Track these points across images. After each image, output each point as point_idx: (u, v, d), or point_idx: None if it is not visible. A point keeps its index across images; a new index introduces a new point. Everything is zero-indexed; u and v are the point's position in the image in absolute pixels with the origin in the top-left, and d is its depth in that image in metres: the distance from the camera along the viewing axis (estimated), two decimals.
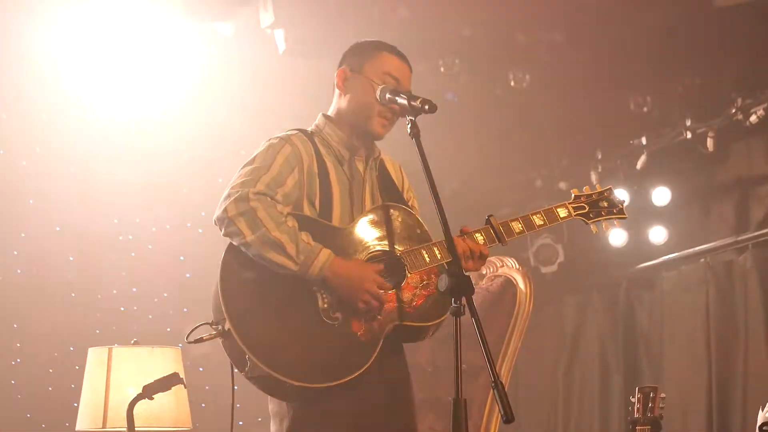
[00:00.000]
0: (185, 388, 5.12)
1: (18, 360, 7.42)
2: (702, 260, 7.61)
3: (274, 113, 6.90)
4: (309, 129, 4.02)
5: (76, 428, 5.49)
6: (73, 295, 7.55)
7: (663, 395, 4.75)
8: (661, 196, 7.78)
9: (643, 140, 7.75)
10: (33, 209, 7.55)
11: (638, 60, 7.25)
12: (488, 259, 5.03)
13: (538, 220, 4.06)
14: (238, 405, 3.86)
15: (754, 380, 7.06)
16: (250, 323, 3.67)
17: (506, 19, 7.02)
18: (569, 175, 8.32)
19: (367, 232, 3.86)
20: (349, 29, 4.13)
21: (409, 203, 4.08)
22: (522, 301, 5.08)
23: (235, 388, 3.79)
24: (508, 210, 7.93)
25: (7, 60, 7.34)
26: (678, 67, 7.26)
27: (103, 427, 5.30)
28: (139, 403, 4.73)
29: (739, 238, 7.40)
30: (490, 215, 3.98)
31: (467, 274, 3.44)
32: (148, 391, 4.72)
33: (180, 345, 5.46)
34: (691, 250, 7.72)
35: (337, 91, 4.04)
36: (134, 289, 7.74)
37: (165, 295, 7.77)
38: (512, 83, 7.54)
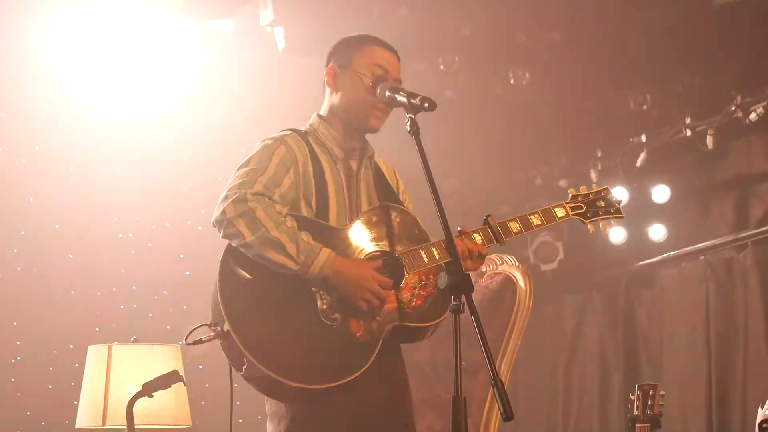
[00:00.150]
0: (185, 385, 5.12)
1: (18, 358, 7.42)
2: (702, 258, 7.61)
3: (273, 111, 6.89)
4: (303, 129, 4.01)
5: (76, 426, 5.50)
6: (72, 293, 7.55)
7: (662, 393, 4.76)
8: (660, 193, 7.79)
9: (643, 138, 7.76)
10: (33, 207, 7.54)
11: (638, 58, 7.25)
12: (488, 256, 5.05)
13: (535, 220, 4.07)
14: (237, 402, 3.86)
15: (754, 378, 7.07)
16: (248, 324, 3.66)
17: (506, 17, 7.02)
18: (569, 173, 8.33)
19: (365, 232, 3.86)
20: (349, 27, 4.12)
21: (404, 205, 4.08)
22: (522, 299, 5.09)
23: (235, 386, 3.78)
24: (508, 208, 7.95)
25: (6, 59, 7.34)
26: (677, 65, 7.27)
27: (102, 425, 5.31)
28: (139, 400, 4.73)
29: (739, 236, 7.40)
30: (488, 215, 3.99)
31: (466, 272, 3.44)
32: (148, 389, 4.72)
33: (180, 343, 5.46)
34: (690, 247, 7.73)
35: (328, 89, 4.04)
36: (134, 287, 7.73)
37: (165, 293, 7.77)
38: (512, 81, 7.54)
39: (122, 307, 7.67)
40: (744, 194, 7.49)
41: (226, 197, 3.73)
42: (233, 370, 3.78)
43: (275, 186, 3.78)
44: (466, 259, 3.82)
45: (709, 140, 7.36)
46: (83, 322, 7.37)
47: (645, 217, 7.88)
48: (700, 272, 7.59)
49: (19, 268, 7.48)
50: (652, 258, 8.04)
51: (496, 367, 4.01)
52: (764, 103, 6.97)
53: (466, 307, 3.26)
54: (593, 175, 7.99)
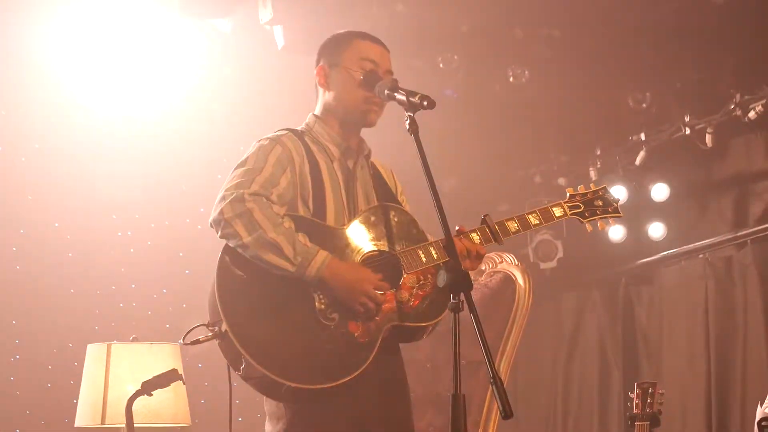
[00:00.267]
0: (184, 384, 5.13)
1: (17, 356, 7.42)
2: (701, 256, 7.62)
3: (273, 109, 6.90)
4: (299, 128, 4.01)
5: (75, 425, 5.50)
6: (71, 291, 7.55)
7: (661, 391, 4.77)
8: (659, 191, 7.78)
9: (642, 136, 7.76)
10: (32, 206, 7.54)
11: (637, 56, 7.25)
12: (487, 255, 5.05)
13: (533, 219, 4.06)
14: (237, 401, 3.86)
15: (753, 375, 7.07)
16: (246, 324, 3.66)
17: (505, 15, 7.02)
18: (568, 171, 8.33)
19: (363, 231, 3.86)
20: (348, 25, 4.11)
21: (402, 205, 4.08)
22: (521, 297, 5.08)
23: (234, 384, 3.78)
24: (507, 206, 7.95)
25: (6, 57, 7.33)
26: (677, 63, 7.27)
27: (102, 424, 5.31)
28: (138, 399, 4.74)
29: (738, 234, 7.40)
30: (486, 214, 3.98)
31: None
32: (147, 388, 4.72)
33: (179, 341, 5.46)
34: (690, 245, 7.73)
35: (320, 89, 4.04)
36: (133, 285, 7.73)
37: (164, 291, 7.77)
38: (511, 79, 7.54)
39: (121, 305, 7.67)
40: (743, 192, 7.49)
41: (223, 197, 3.73)
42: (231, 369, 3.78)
43: (272, 186, 3.78)
44: (464, 259, 3.81)
45: (709, 138, 7.36)
46: (82, 320, 7.37)
47: (644, 215, 7.88)
48: (700, 270, 7.59)
49: (18, 267, 7.48)
50: (651, 256, 8.04)
51: (496, 365, 4.02)
52: (763, 101, 6.98)
53: (466, 306, 3.25)
54: (592, 173, 7.99)
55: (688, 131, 7.47)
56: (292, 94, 4.11)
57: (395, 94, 3.76)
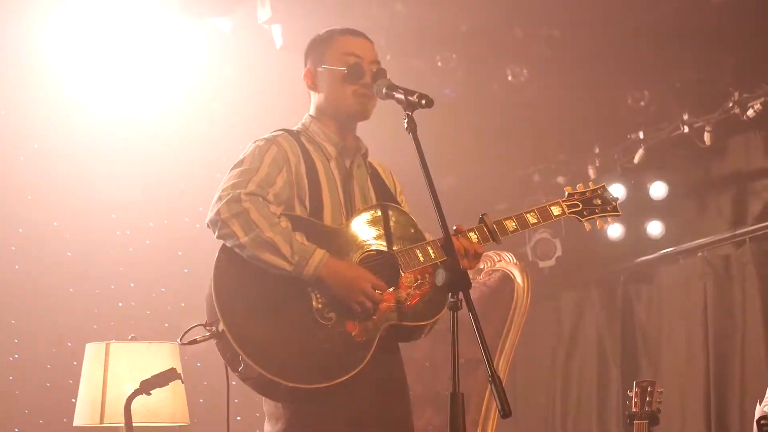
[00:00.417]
0: (183, 383, 5.13)
1: (16, 356, 7.41)
2: (699, 254, 7.62)
3: (271, 109, 6.89)
4: (295, 128, 4.01)
5: (74, 424, 5.50)
6: (70, 290, 7.55)
7: (660, 389, 4.76)
8: (658, 190, 7.79)
9: (641, 134, 7.76)
10: (31, 205, 7.54)
11: (635, 55, 7.25)
12: (486, 253, 5.04)
13: (531, 218, 4.05)
14: (236, 400, 3.86)
15: (752, 374, 7.07)
16: (243, 324, 3.66)
17: (504, 14, 7.02)
18: (567, 169, 8.33)
19: (361, 231, 3.85)
20: (346, 24, 4.11)
21: (401, 205, 4.07)
22: (520, 296, 5.08)
23: (233, 383, 3.78)
24: (506, 205, 7.95)
25: (4, 57, 7.33)
26: (675, 61, 7.27)
27: (100, 423, 5.31)
28: (137, 398, 4.74)
29: (737, 232, 7.41)
30: (484, 214, 3.98)
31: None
32: (146, 387, 4.72)
33: (178, 341, 5.46)
34: (688, 244, 7.73)
35: (311, 91, 4.05)
36: (132, 285, 7.73)
37: (163, 290, 7.77)
38: (510, 78, 7.54)
39: (120, 304, 7.67)
40: (742, 190, 7.49)
41: (220, 198, 3.73)
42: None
43: (269, 186, 3.78)
44: (462, 258, 3.80)
45: (707, 137, 7.37)
46: (81, 319, 7.37)
47: (643, 213, 7.89)
48: (698, 269, 7.60)
49: (17, 266, 7.48)
50: (650, 255, 8.04)
51: (494, 364, 4.02)
52: (761, 100, 6.98)
53: (464, 304, 3.25)
54: (591, 172, 7.99)
55: (686, 130, 7.47)
56: (291, 94, 4.11)
57: (393, 92, 3.76)
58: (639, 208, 7.80)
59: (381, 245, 3.85)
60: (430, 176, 3.53)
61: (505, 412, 3.13)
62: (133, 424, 4.75)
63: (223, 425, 3.88)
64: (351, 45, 3.98)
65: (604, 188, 4.27)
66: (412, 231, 3.92)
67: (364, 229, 3.86)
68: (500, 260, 5.23)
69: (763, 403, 4.70)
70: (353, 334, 3.72)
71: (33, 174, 7.55)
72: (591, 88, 7.51)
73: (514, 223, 4.00)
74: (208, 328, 3.71)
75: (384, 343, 3.78)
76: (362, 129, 4.07)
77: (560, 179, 8.27)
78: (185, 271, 7.68)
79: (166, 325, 7.36)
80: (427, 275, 3.84)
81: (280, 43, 6.93)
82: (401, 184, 4.19)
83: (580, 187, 4.25)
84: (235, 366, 3.70)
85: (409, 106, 3.67)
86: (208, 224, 3.76)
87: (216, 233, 3.73)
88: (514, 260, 5.22)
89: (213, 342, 3.75)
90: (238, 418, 6.64)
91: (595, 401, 8.30)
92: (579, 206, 4.19)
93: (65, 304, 7.45)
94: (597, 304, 8.46)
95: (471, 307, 3.23)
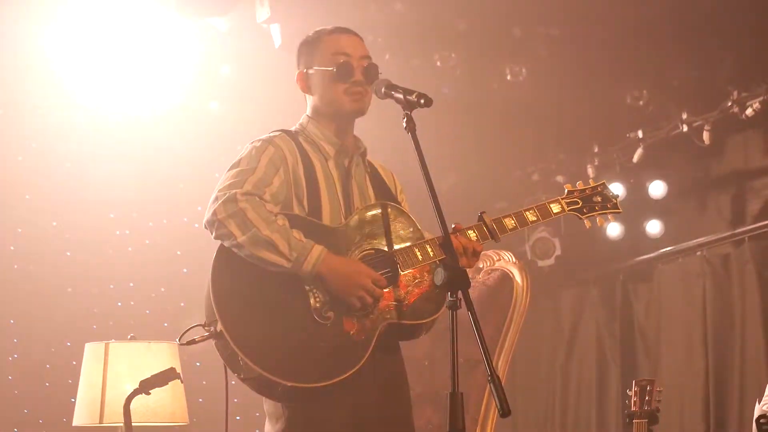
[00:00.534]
0: (182, 383, 5.12)
1: (15, 356, 7.42)
2: (698, 253, 7.62)
3: (270, 108, 6.89)
4: (293, 129, 4.01)
5: (74, 423, 5.50)
6: (69, 290, 7.55)
7: (660, 388, 4.76)
8: (657, 189, 7.79)
9: (640, 133, 7.75)
10: (29, 205, 7.54)
11: (634, 54, 7.25)
12: (485, 252, 5.05)
13: (531, 216, 4.04)
14: (235, 400, 3.86)
15: (751, 373, 7.07)
16: (241, 324, 3.66)
17: (502, 13, 7.02)
18: (566, 168, 8.32)
19: (359, 230, 3.85)
20: (345, 23, 4.11)
21: (401, 204, 4.07)
22: (519, 295, 5.08)
23: (232, 383, 3.78)
24: (505, 204, 7.95)
25: (2, 56, 7.33)
26: (674, 60, 7.27)
27: (100, 423, 5.31)
28: (136, 398, 4.74)
29: (736, 231, 7.41)
30: (482, 212, 3.97)
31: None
32: (145, 387, 4.72)
33: (177, 340, 5.46)
34: (687, 243, 7.73)
35: (305, 93, 4.05)
36: (131, 284, 7.73)
37: (162, 289, 7.77)
38: (509, 77, 7.54)
39: (119, 304, 7.67)
40: (741, 189, 7.49)
41: (216, 198, 3.74)
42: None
43: (265, 186, 3.78)
44: (461, 256, 3.80)
45: (706, 136, 7.36)
46: (80, 319, 7.37)
47: (642, 212, 7.88)
48: (697, 267, 7.60)
49: (15, 266, 7.49)
50: (649, 253, 8.04)
51: (494, 363, 4.03)
52: (760, 99, 6.98)
53: (463, 303, 3.25)
54: (590, 171, 7.98)
55: (685, 128, 7.46)
56: (289, 93, 4.11)
57: (392, 92, 3.76)
58: (638, 207, 7.79)
59: (379, 244, 3.85)
60: (429, 175, 3.53)
61: (505, 412, 3.13)
62: (133, 424, 4.74)
63: (221, 425, 3.88)
64: (339, 44, 3.97)
65: (604, 185, 4.26)
66: (411, 230, 3.91)
67: (362, 228, 3.86)
68: (499, 259, 5.23)
69: (762, 402, 4.70)
70: (351, 333, 3.72)
71: (32, 173, 7.55)
72: (590, 87, 7.51)
73: (513, 221, 4.00)
74: (206, 328, 3.71)
75: (384, 341, 3.78)
76: (361, 129, 4.07)
77: (559, 178, 8.26)
78: (184, 270, 7.68)
79: (166, 324, 7.36)
80: (425, 274, 3.83)
81: (278, 43, 6.92)
82: (401, 184, 4.19)
83: (579, 185, 4.24)
84: (233, 366, 3.70)
85: (408, 106, 3.67)
86: (205, 225, 3.77)
87: (213, 234, 3.74)
88: (514, 259, 5.22)
89: (212, 342, 3.75)
90: (238, 418, 6.64)
91: (595, 400, 8.29)
92: (579, 203, 4.17)
93: (64, 304, 7.45)
94: (596, 303, 8.45)
95: (470, 307, 3.23)
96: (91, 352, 5.48)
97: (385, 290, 3.77)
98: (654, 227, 7.89)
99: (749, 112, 7.04)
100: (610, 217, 4.24)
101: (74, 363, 5.82)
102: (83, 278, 7.57)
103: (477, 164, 8.18)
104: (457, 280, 3.28)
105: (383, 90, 3.80)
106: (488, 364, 3.17)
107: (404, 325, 3.82)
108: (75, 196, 7.55)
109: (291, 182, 3.85)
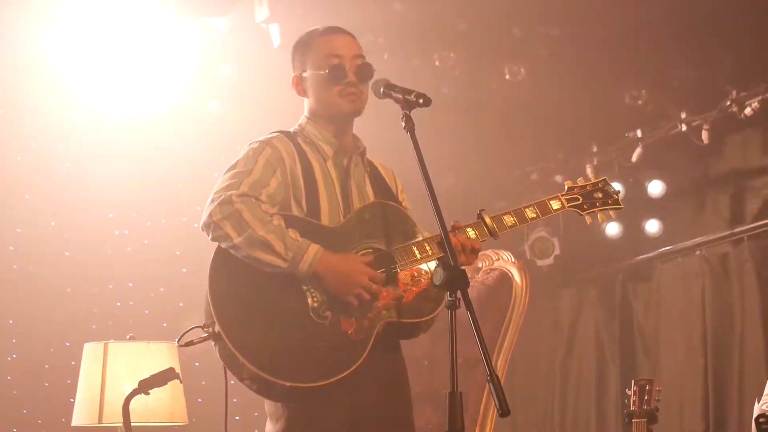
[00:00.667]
0: (181, 383, 5.12)
1: (14, 356, 7.42)
2: (698, 252, 7.62)
3: (269, 108, 6.89)
4: (291, 130, 4.02)
5: (72, 424, 5.49)
6: (68, 290, 7.55)
7: (659, 388, 4.76)
8: (656, 188, 7.79)
9: (639, 133, 7.76)
10: (28, 205, 7.55)
11: (633, 53, 7.25)
12: (484, 252, 5.04)
13: (530, 213, 4.03)
14: (234, 399, 3.86)
15: (750, 372, 7.07)
16: (239, 325, 3.67)
17: (501, 13, 7.01)
18: (565, 168, 8.33)
19: (357, 229, 3.85)
20: (344, 23, 4.12)
21: (402, 205, 4.07)
22: (518, 295, 5.08)
23: (231, 382, 3.78)
24: (504, 203, 7.94)
25: (1, 56, 7.33)
26: (673, 59, 7.27)
27: (99, 423, 5.31)
28: (135, 398, 4.73)
29: (735, 231, 7.41)
30: (481, 209, 3.97)
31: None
32: (144, 387, 4.71)
33: (176, 340, 5.46)
34: (686, 242, 7.73)
35: (302, 96, 4.06)
36: (130, 284, 7.74)
37: (161, 290, 7.77)
38: (507, 77, 7.54)
39: (118, 304, 7.67)
40: (739, 189, 7.50)
41: (212, 200, 3.75)
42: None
43: (262, 187, 3.79)
44: (459, 254, 3.79)
45: (705, 135, 7.37)
46: (79, 319, 7.38)
47: (641, 212, 7.89)
48: (696, 267, 7.60)
49: (15, 266, 7.49)
50: (648, 253, 8.04)
51: (493, 362, 4.02)
52: (759, 98, 6.98)
53: (462, 303, 3.25)
54: (589, 170, 7.99)
55: (684, 128, 7.47)
56: (289, 93, 4.11)
57: (391, 92, 3.76)
58: (637, 207, 7.79)
59: (378, 243, 3.85)
60: (428, 175, 3.53)
61: (504, 411, 3.13)
62: (132, 424, 4.74)
63: (220, 425, 3.88)
64: (331, 45, 3.97)
65: (605, 181, 4.24)
66: (409, 228, 3.91)
67: (360, 228, 3.86)
68: (498, 259, 5.23)
69: (761, 401, 4.70)
70: (349, 332, 3.72)
71: (31, 174, 7.56)
72: (589, 87, 7.51)
73: (512, 218, 3.99)
74: (205, 329, 3.71)
75: (383, 340, 3.78)
76: (360, 128, 4.07)
77: (558, 178, 8.27)
78: (183, 270, 7.68)
79: (165, 324, 7.37)
80: (424, 272, 3.83)
81: (277, 43, 6.92)
82: (402, 186, 4.18)
83: (580, 181, 4.23)
84: (232, 367, 3.70)
85: (407, 105, 3.67)
86: (202, 227, 3.78)
87: (210, 236, 3.75)
88: (513, 259, 5.21)
89: (211, 342, 3.75)
90: (237, 418, 6.64)
91: (594, 400, 8.30)
92: (579, 200, 4.16)
93: (63, 304, 7.45)
94: (595, 303, 8.46)
95: (469, 306, 3.23)
96: (90, 352, 5.48)
97: (383, 289, 3.77)
98: (653, 227, 7.90)
99: (748, 111, 7.05)
100: (611, 213, 4.22)
101: (73, 363, 5.81)
102: (82, 278, 7.57)
103: (476, 164, 8.18)
104: (456, 280, 3.28)
105: (382, 90, 3.80)
106: (487, 363, 3.17)
107: (403, 324, 3.82)
108: (74, 196, 7.55)
109: (289, 183, 3.85)
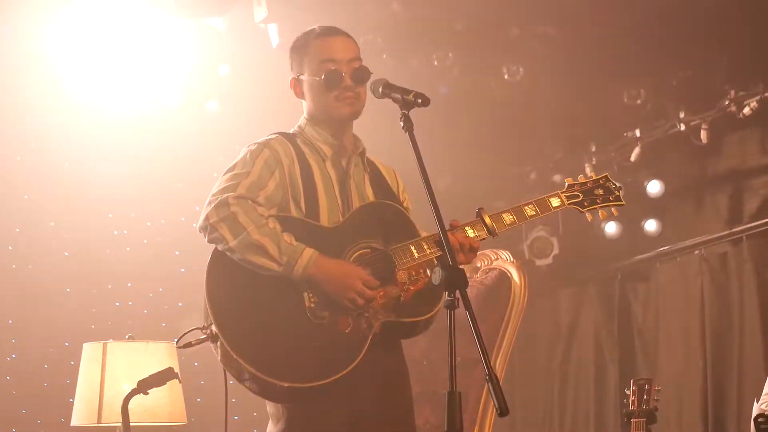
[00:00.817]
0: (180, 383, 5.12)
1: (13, 356, 7.42)
2: (696, 252, 7.61)
3: (267, 108, 6.90)
4: (291, 131, 4.02)
5: (72, 424, 5.49)
6: (68, 290, 7.55)
7: (658, 388, 4.76)
8: (655, 188, 7.78)
9: (637, 132, 7.76)
10: (27, 205, 7.55)
11: (632, 52, 7.25)
12: (483, 252, 5.04)
13: (529, 211, 4.03)
14: (233, 399, 3.86)
15: (749, 372, 7.07)
16: (237, 327, 3.68)
17: (500, 12, 7.02)
18: (563, 167, 8.32)
19: (355, 229, 3.85)
20: (342, 23, 4.11)
21: (404, 205, 4.07)
22: (517, 294, 5.08)
23: (230, 382, 3.79)
24: (503, 203, 7.87)
25: (2, 56, 7.33)
26: (671, 59, 7.27)
27: (98, 423, 5.31)
28: (134, 398, 4.73)
29: (734, 230, 7.40)
30: (480, 208, 3.96)
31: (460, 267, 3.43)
32: (143, 386, 4.71)
33: (175, 340, 5.47)
34: (685, 242, 7.73)
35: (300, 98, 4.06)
36: (129, 284, 7.74)
37: (160, 289, 7.77)
38: (506, 76, 7.54)
39: (117, 304, 7.67)
40: (738, 188, 7.49)
41: (209, 202, 3.76)
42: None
43: (259, 189, 3.79)
44: (458, 253, 3.79)
45: (703, 134, 7.36)
46: (78, 319, 7.37)
47: (640, 211, 7.88)
48: (695, 266, 7.59)
49: (14, 266, 7.49)
50: (647, 252, 8.04)
51: (492, 362, 4.01)
52: (758, 98, 6.98)
53: (461, 303, 3.25)
54: (587, 170, 7.97)
55: (683, 127, 7.47)
56: (286, 93, 4.11)
57: (390, 92, 3.75)
58: (636, 206, 7.79)
59: (376, 243, 3.85)
60: (427, 174, 3.53)
61: (502, 411, 3.13)
62: (131, 424, 4.74)
63: (220, 425, 3.88)
64: (327, 50, 3.96)
65: (607, 178, 4.22)
66: (408, 228, 3.92)
67: (359, 227, 3.86)
68: (497, 259, 5.23)
69: (760, 401, 4.71)
70: (347, 331, 3.72)
71: (30, 174, 7.55)
72: (587, 86, 7.51)
73: (511, 216, 3.99)
74: (204, 330, 3.72)
75: (383, 339, 3.79)
76: (359, 128, 4.07)
77: (557, 177, 8.26)
78: (182, 270, 7.68)
79: (164, 324, 7.37)
80: (421, 271, 3.83)
81: (276, 42, 6.93)
82: (403, 185, 4.18)
83: (581, 179, 4.21)
84: (231, 368, 3.70)
85: (406, 105, 3.67)
86: (199, 229, 3.79)
87: (206, 238, 3.76)
88: (511, 258, 5.22)
89: (210, 343, 3.75)
90: (236, 418, 6.64)
91: (593, 399, 8.29)
92: (579, 197, 4.14)
93: (62, 304, 7.45)
94: (594, 302, 8.45)
95: (468, 306, 3.23)
96: (89, 352, 5.48)
97: (380, 289, 3.77)
98: (652, 226, 7.89)
99: (746, 110, 7.05)
100: (613, 210, 4.20)
101: (72, 363, 5.81)
102: (81, 278, 7.57)
103: (474, 163, 8.17)
104: (456, 280, 3.27)
105: (381, 90, 3.80)
106: (486, 363, 3.17)
107: (401, 324, 3.82)
108: (73, 196, 7.55)
109: (287, 184, 3.86)
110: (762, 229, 7.21)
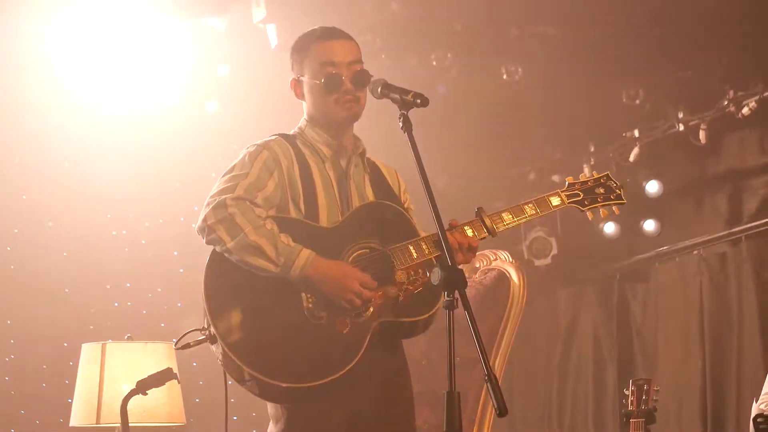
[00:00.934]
0: (179, 383, 5.12)
1: (12, 356, 7.42)
2: (695, 252, 7.62)
3: (266, 108, 6.90)
4: (291, 132, 4.02)
5: (70, 424, 5.49)
6: (66, 290, 7.55)
7: (657, 388, 4.76)
8: (653, 188, 7.78)
9: (636, 133, 7.76)
10: (26, 205, 7.54)
11: (630, 52, 7.25)
12: (481, 252, 5.04)
13: (529, 210, 4.01)
14: (232, 400, 3.87)
15: (748, 372, 7.07)
16: (235, 328, 3.68)
17: (498, 12, 7.02)
18: (562, 168, 8.32)
19: (354, 229, 3.85)
20: (341, 23, 4.11)
21: (405, 205, 4.07)
22: (515, 294, 5.07)
23: (230, 383, 3.79)
24: (501, 203, 7.87)
25: (2, 56, 7.32)
26: (670, 59, 7.27)
27: (96, 423, 5.31)
28: (133, 398, 4.73)
29: (733, 230, 7.41)
30: (479, 207, 3.96)
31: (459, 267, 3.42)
32: (142, 387, 4.72)
33: (174, 340, 5.47)
34: (684, 242, 7.73)
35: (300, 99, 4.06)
36: (128, 285, 7.74)
37: (159, 290, 7.77)
38: (505, 77, 7.54)
39: (116, 304, 7.67)
40: (737, 188, 7.50)
41: (207, 204, 3.76)
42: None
43: (258, 190, 3.79)
44: (457, 253, 3.78)
45: (702, 135, 7.37)
46: (77, 319, 7.37)
47: (638, 211, 7.88)
48: (694, 267, 7.59)
49: (12, 266, 7.49)
50: (646, 253, 8.04)
51: (491, 362, 4.01)
52: (756, 98, 6.99)
53: (460, 303, 3.25)
54: (586, 170, 7.98)
55: (682, 128, 7.47)
56: (286, 93, 4.11)
57: (389, 92, 3.75)
58: (634, 207, 7.79)
59: (375, 243, 3.85)
60: (425, 174, 3.53)
61: (501, 411, 3.13)
62: (130, 424, 4.74)
63: (219, 425, 3.88)
64: (327, 52, 3.94)
65: (608, 176, 4.20)
66: (407, 228, 3.91)
67: (357, 228, 3.86)
68: (496, 259, 5.22)
69: (759, 401, 4.70)
70: (345, 332, 3.72)
71: (29, 174, 7.55)
72: (586, 87, 7.51)
73: (510, 216, 3.97)
74: (203, 332, 3.72)
75: (382, 340, 3.79)
76: (359, 129, 4.07)
77: (555, 178, 8.26)
78: (181, 270, 7.68)
79: (163, 324, 7.37)
80: (420, 271, 3.83)
81: (275, 43, 6.93)
82: (405, 185, 4.17)
83: (581, 177, 4.20)
84: (230, 369, 3.71)
85: (404, 106, 3.66)
86: (197, 231, 3.79)
87: (204, 239, 3.76)
88: (510, 259, 5.21)
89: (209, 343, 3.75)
90: (235, 418, 6.64)
91: (592, 399, 8.29)
92: (579, 195, 4.12)
93: (61, 304, 7.45)
94: (593, 303, 8.45)
95: (467, 306, 3.23)
96: (88, 352, 5.48)
97: (378, 289, 3.76)
98: (651, 226, 7.90)
99: (745, 111, 7.05)
100: (614, 208, 4.19)
101: (71, 363, 5.82)
102: (80, 278, 7.57)
103: (473, 163, 8.18)
104: (455, 280, 3.27)
105: (379, 90, 3.79)
106: (485, 363, 3.17)
107: (400, 323, 3.82)
108: (72, 197, 7.55)
109: (286, 185, 3.85)
110: (761, 229, 7.21)
